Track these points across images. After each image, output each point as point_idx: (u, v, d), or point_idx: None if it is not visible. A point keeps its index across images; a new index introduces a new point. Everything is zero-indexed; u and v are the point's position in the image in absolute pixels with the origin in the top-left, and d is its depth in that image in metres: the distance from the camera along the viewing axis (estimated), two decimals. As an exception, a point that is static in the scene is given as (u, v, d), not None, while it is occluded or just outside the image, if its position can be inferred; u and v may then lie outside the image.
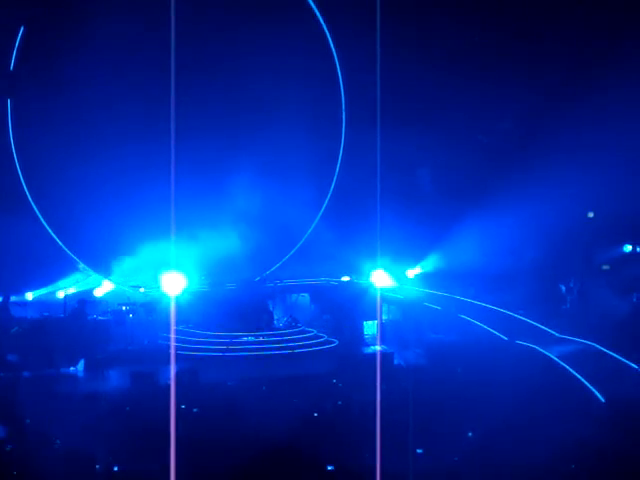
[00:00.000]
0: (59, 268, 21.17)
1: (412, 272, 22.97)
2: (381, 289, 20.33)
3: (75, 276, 21.47)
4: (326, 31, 21.99)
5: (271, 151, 21.38)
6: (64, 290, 20.31)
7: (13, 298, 19.64)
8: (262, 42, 20.84)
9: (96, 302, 20.22)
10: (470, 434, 11.81)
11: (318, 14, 21.90)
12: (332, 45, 22.09)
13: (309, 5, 21.89)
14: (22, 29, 20.56)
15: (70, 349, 17.01)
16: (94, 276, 21.50)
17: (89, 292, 20.89)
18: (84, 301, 18.93)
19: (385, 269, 20.77)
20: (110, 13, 19.66)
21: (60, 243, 21.05)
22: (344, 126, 22.50)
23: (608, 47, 20.66)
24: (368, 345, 19.69)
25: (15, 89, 20.67)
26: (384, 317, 21.14)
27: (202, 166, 20.48)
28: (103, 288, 21.20)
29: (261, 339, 18.85)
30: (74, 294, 20.27)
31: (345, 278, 22.00)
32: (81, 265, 21.44)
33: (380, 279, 20.47)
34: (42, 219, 20.86)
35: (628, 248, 23.49)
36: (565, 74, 21.93)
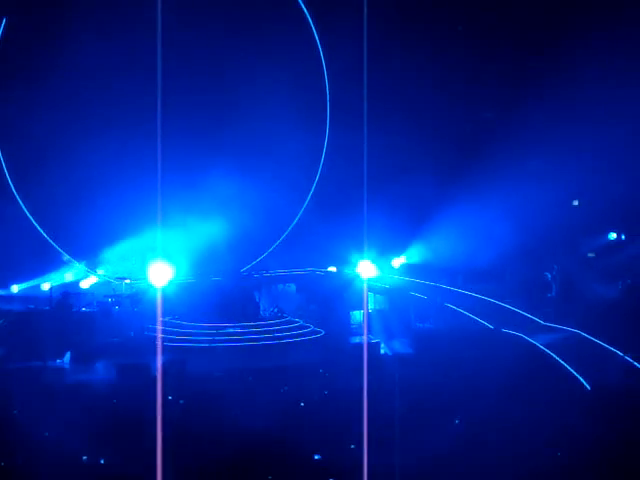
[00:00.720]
0: (45, 260, 21.05)
1: (397, 262, 22.99)
2: (367, 279, 20.31)
3: (61, 268, 21.37)
4: (313, 27, 22.02)
5: (258, 142, 21.34)
6: (50, 282, 20.22)
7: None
8: (252, 38, 20.90)
9: (82, 294, 20.15)
10: (457, 421, 11.86)
11: (306, 11, 21.88)
12: (317, 39, 22.12)
13: (298, 3, 21.86)
14: (4, 20, 20.41)
15: (56, 341, 16.95)
16: (79, 268, 21.41)
17: (75, 284, 20.80)
18: (68, 293, 18.87)
19: (371, 260, 20.76)
20: (95, 5, 19.61)
21: (45, 235, 20.94)
22: (329, 116, 22.49)
23: (594, 40, 20.65)
24: (355, 335, 19.71)
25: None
26: (370, 307, 21.15)
27: (188, 157, 20.40)
28: (89, 280, 21.11)
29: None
30: (60, 286, 20.18)
31: (332, 268, 21.99)
32: (66, 257, 21.33)
33: (366, 269, 20.45)
34: (26, 211, 20.73)
35: (613, 236, 23.59)
36: (550, 65, 21.96)
